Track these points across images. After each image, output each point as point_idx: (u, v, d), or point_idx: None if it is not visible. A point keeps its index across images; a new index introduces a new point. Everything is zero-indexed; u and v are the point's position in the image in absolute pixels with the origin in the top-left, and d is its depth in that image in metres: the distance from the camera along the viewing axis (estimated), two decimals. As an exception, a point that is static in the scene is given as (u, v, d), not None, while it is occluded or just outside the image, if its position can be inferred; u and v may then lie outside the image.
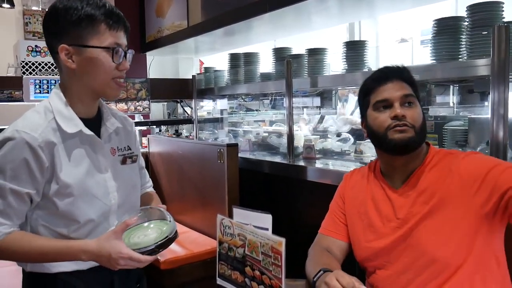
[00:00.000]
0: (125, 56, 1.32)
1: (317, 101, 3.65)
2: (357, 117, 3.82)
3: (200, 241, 2.64)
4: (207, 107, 4.90)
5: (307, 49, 2.99)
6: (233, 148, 2.47)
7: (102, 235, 1.27)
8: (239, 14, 3.12)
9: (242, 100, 4.10)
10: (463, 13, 2.07)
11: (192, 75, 3.99)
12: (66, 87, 1.33)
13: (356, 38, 4.48)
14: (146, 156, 3.35)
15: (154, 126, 4.31)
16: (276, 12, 2.82)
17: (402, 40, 4.53)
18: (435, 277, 1.26)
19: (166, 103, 4.85)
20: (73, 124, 1.30)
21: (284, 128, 3.64)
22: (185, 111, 4.60)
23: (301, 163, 2.47)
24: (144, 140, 3.75)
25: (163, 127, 4.48)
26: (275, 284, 1.06)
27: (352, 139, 2.94)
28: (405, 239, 1.31)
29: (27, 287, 1.38)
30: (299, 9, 2.78)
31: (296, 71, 2.89)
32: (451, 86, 2.60)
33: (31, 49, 4.27)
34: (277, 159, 2.72)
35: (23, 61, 4.24)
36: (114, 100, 3.78)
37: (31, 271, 1.34)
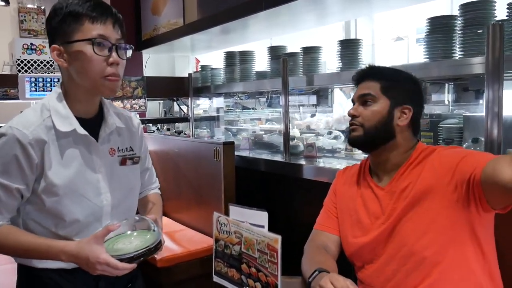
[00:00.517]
0: (116, 49, 1.28)
1: (313, 99, 3.65)
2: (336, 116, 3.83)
3: (197, 239, 2.65)
4: (203, 105, 4.90)
5: (302, 48, 3.00)
6: (229, 146, 2.46)
7: (84, 238, 1.27)
8: (235, 12, 3.12)
9: (238, 98, 4.10)
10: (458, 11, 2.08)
11: (189, 73, 3.98)
12: (65, 86, 1.34)
13: (352, 36, 4.48)
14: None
15: (151, 124, 4.30)
16: (272, 10, 2.82)
17: (398, 38, 4.54)
18: (417, 268, 1.28)
19: (162, 101, 4.85)
20: (68, 123, 1.30)
21: (278, 126, 3.65)
22: (181, 109, 4.60)
23: (302, 161, 2.47)
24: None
25: (165, 127, 4.47)
26: (271, 281, 1.07)
27: (343, 137, 2.96)
28: (389, 233, 1.34)
29: (20, 280, 1.40)
30: (295, 7, 2.78)
31: (291, 69, 2.89)
32: (446, 84, 2.62)
33: (27, 47, 4.25)
34: (278, 157, 2.70)
35: (18, 59, 4.23)
36: (110, 98, 3.77)
37: (20, 263, 1.37)
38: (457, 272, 1.26)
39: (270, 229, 1.08)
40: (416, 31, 4.12)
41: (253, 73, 3.51)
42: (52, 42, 1.29)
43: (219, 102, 4.25)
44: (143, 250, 1.25)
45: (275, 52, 3.27)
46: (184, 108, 4.59)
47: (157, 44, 4.36)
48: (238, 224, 1.15)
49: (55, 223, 1.30)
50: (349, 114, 1.44)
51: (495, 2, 2.00)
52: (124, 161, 1.43)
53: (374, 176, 1.46)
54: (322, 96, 3.46)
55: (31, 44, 4.25)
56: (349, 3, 2.85)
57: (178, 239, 2.65)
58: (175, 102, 4.65)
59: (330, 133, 3.07)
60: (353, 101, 1.47)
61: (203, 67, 4.28)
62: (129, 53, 1.34)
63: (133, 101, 3.95)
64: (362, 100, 1.42)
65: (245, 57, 3.60)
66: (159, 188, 1.72)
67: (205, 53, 5.24)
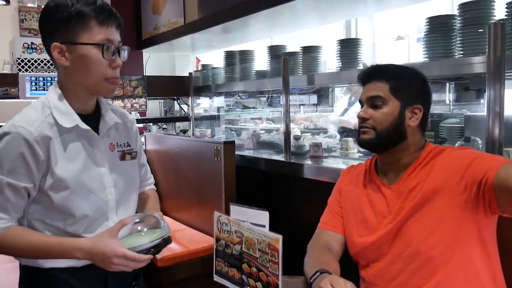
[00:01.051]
0: (118, 52, 1.30)
1: (313, 98, 3.65)
2: (348, 117, 3.84)
3: (197, 238, 2.64)
4: (203, 105, 4.89)
5: (302, 47, 3.00)
6: (230, 145, 2.46)
7: (98, 234, 1.27)
8: (236, 11, 3.11)
9: (239, 98, 4.09)
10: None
11: (189, 73, 3.98)
12: (62, 84, 1.33)
13: (353, 36, 4.48)
14: (142, 153, 3.34)
15: (151, 124, 4.30)
16: (272, 9, 2.81)
17: (398, 38, 4.54)
18: (422, 267, 1.28)
19: (162, 100, 4.84)
20: (70, 119, 1.30)
21: (277, 125, 3.65)
22: (182, 108, 4.60)
23: (308, 161, 2.45)
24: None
25: (163, 125, 4.47)
26: (272, 281, 1.06)
27: (338, 136, 2.96)
28: (395, 232, 1.34)
29: (23, 281, 1.39)
30: (295, 6, 2.78)
31: (291, 68, 2.89)
32: (447, 84, 2.61)
33: (27, 46, 4.25)
34: (280, 157, 2.68)
35: (18, 58, 4.22)
36: (111, 98, 3.78)
37: (26, 265, 1.35)
38: (462, 273, 1.25)
39: (270, 228, 1.08)
40: (417, 30, 4.12)
41: (253, 73, 3.51)
42: (50, 39, 1.27)
43: (219, 101, 4.24)
44: (158, 240, 1.27)
45: (275, 52, 3.26)
46: (184, 107, 4.59)
47: (157, 43, 4.36)
48: (239, 224, 1.15)
49: (63, 220, 1.30)
50: (359, 117, 1.41)
51: (494, 1, 1.99)
52: (123, 156, 1.44)
53: (381, 175, 1.45)
54: (323, 95, 3.47)
55: (32, 43, 4.25)
56: (350, 3, 2.84)
57: (178, 239, 2.64)
58: (175, 101, 4.64)
59: (325, 132, 3.07)
60: (360, 101, 1.44)
61: (203, 66, 4.28)
62: (126, 54, 1.35)
63: (134, 100, 3.95)
64: (371, 102, 1.40)
65: (245, 56, 3.60)
66: (154, 184, 1.72)
67: (205, 52, 5.23)
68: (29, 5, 4.58)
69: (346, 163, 2.33)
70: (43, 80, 3.95)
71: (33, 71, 4.17)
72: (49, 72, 4.12)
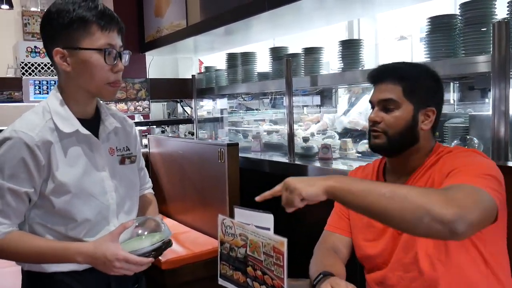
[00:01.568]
0: (120, 57, 1.31)
1: (317, 99, 3.64)
2: (352, 117, 3.82)
3: (201, 241, 2.64)
4: (206, 107, 4.89)
5: (304, 48, 2.99)
6: (233, 147, 2.46)
7: (99, 238, 1.27)
8: (238, 13, 3.11)
9: (242, 100, 4.09)
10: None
11: (192, 75, 3.98)
12: (63, 88, 1.34)
13: (355, 37, 4.47)
14: (146, 156, 3.34)
15: (154, 126, 4.29)
16: (275, 10, 2.81)
17: (401, 38, 4.52)
18: (420, 277, 1.26)
19: (166, 103, 4.84)
20: (70, 124, 1.30)
21: (277, 127, 3.64)
22: (185, 111, 4.60)
23: (317, 163, 2.42)
24: (145, 140, 3.74)
25: (175, 128, 4.46)
26: (277, 284, 1.05)
27: (337, 136, 2.95)
28: (398, 239, 1.32)
29: (26, 284, 1.39)
30: (298, 7, 2.77)
31: (293, 70, 2.87)
32: (452, 83, 2.60)
33: (31, 50, 4.26)
34: (286, 159, 2.66)
35: (22, 62, 4.23)
36: (114, 101, 3.78)
37: (28, 270, 1.35)
38: (464, 283, 1.23)
39: (275, 231, 1.07)
40: (419, 30, 4.11)
41: (255, 74, 3.50)
42: (52, 44, 1.28)
43: (222, 103, 4.24)
44: (159, 243, 1.27)
45: (277, 53, 3.26)
46: (187, 109, 4.59)
47: (160, 46, 4.36)
48: (243, 227, 1.14)
49: (65, 224, 1.30)
50: (371, 120, 1.36)
51: (496, 0, 1.98)
52: (123, 160, 1.45)
53: (390, 177, 1.42)
54: (326, 96, 3.46)
55: (35, 47, 4.26)
56: (352, 3, 2.83)
57: (182, 241, 2.64)
58: (178, 104, 4.64)
59: (324, 133, 3.06)
60: (371, 102, 1.38)
61: (206, 68, 4.28)
62: (128, 58, 1.36)
63: (137, 103, 3.95)
64: (383, 104, 1.34)
65: (247, 58, 3.60)
66: (152, 188, 1.72)
67: (208, 54, 5.23)
68: (32, 9, 4.59)
69: (354, 165, 2.32)
70: (47, 83, 3.95)
71: (36, 75, 4.18)
72: (52, 76, 4.13)
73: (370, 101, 1.39)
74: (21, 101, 3.74)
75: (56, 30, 1.27)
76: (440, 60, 2.04)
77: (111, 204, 1.37)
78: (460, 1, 2.10)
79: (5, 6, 4.33)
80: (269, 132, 3.50)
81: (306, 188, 1.07)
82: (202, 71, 4.44)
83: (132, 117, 3.97)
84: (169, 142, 3.24)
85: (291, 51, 3.26)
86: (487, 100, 2.32)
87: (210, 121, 4.47)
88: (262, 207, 1.10)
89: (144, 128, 4.13)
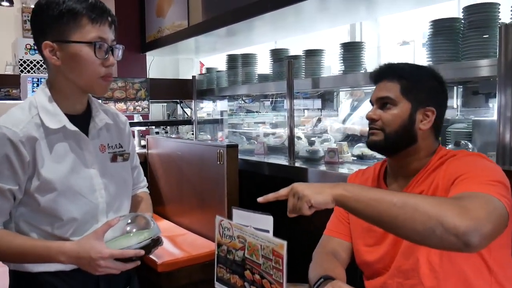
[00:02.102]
0: (112, 51, 1.27)
1: (318, 103, 3.62)
2: (351, 124, 3.80)
3: (198, 243, 2.60)
4: (206, 109, 4.87)
5: (305, 51, 2.97)
6: (233, 149, 2.42)
7: (83, 237, 1.23)
8: (240, 13, 3.09)
9: (242, 102, 4.06)
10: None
11: (192, 75, 3.95)
12: (53, 83, 1.30)
13: (357, 40, 4.45)
14: (144, 156, 3.31)
15: (153, 127, 4.27)
16: (277, 12, 2.79)
17: (404, 43, 4.51)
18: (421, 282, 1.22)
19: (165, 104, 4.82)
20: (57, 120, 1.27)
21: (275, 130, 3.61)
22: (185, 112, 4.57)
23: (323, 167, 2.38)
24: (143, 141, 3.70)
25: (182, 130, 4.43)
26: (276, 288, 1.02)
27: (333, 139, 2.93)
28: (400, 244, 1.28)
29: (12, 285, 1.35)
30: (300, 8, 2.75)
31: (294, 72, 2.84)
32: (455, 88, 2.57)
33: (29, 47, 4.24)
34: (286, 161, 2.62)
35: (21, 59, 4.22)
36: (113, 100, 3.75)
37: (14, 269, 1.31)
38: None
39: (274, 235, 1.04)
40: (422, 36, 4.09)
41: (255, 76, 3.48)
42: (41, 37, 1.24)
43: (223, 105, 4.21)
44: (147, 241, 1.23)
45: (278, 55, 3.24)
46: (187, 111, 4.56)
47: (161, 46, 4.34)
48: (241, 229, 1.10)
49: (51, 223, 1.26)
50: (368, 118, 1.35)
51: (499, 4, 1.96)
52: (115, 158, 1.40)
53: (390, 181, 1.39)
54: (328, 99, 3.43)
55: (34, 44, 4.23)
56: (355, 5, 2.81)
57: (179, 243, 2.61)
58: (178, 105, 4.62)
59: (320, 136, 3.03)
60: (371, 102, 1.38)
61: (207, 69, 4.26)
62: (121, 53, 1.32)
63: (136, 103, 3.92)
64: (381, 102, 1.33)
65: (248, 60, 3.58)
66: (147, 187, 1.68)
67: (209, 55, 5.22)
68: (32, 6, 4.57)
69: (354, 168, 2.28)
70: (45, 81, 3.92)
71: (35, 72, 4.16)
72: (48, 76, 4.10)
73: (370, 100, 1.39)
74: (19, 98, 3.72)
75: (45, 23, 1.23)
76: (442, 64, 2.02)
77: (100, 203, 1.33)
78: (463, 5, 2.08)
79: (5, 3, 4.33)
80: (265, 135, 3.47)
81: (315, 196, 1.05)
82: (204, 72, 4.42)
83: (131, 117, 3.94)
84: (168, 142, 3.21)
85: (292, 53, 3.24)
86: (491, 105, 2.29)
87: (209, 123, 4.44)
88: (261, 210, 1.07)
89: (143, 128, 4.10)
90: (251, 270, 1.08)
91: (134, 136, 3.65)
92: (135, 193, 1.60)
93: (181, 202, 2.97)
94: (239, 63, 3.64)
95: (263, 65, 3.54)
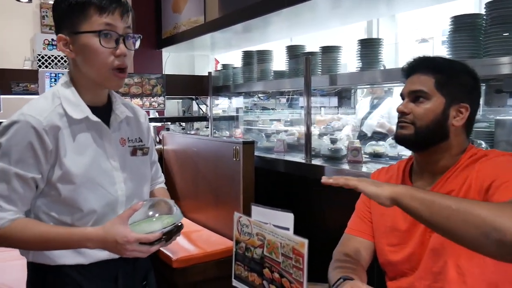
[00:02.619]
0: (123, 40, 1.24)
1: (334, 101, 3.58)
2: (374, 120, 3.76)
3: (214, 240, 2.60)
4: (222, 105, 4.86)
5: (321, 47, 2.93)
6: (249, 145, 2.41)
7: (108, 222, 1.23)
8: (257, 9, 3.07)
9: (258, 99, 4.04)
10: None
11: (208, 72, 3.94)
12: (72, 76, 1.31)
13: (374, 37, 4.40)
14: (160, 152, 3.31)
15: (169, 123, 4.27)
16: (293, 8, 2.76)
17: (422, 40, 4.43)
18: (449, 285, 1.19)
19: (181, 100, 4.83)
20: (80, 110, 1.27)
21: (290, 128, 3.59)
22: (200, 108, 4.57)
23: (345, 166, 2.34)
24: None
25: (189, 126, 4.42)
26: None
27: (345, 137, 2.90)
28: (426, 244, 1.25)
29: (31, 278, 1.35)
30: (316, 5, 2.72)
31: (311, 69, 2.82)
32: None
33: (48, 42, 4.27)
34: (317, 161, 2.55)
35: (39, 55, 4.24)
36: (129, 96, 3.77)
37: (32, 261, 1.31)
38: None
39: (294, 232, 1.01)
40: (442, 33, 4.02)
41: (271, 73, 3.46)
42: (58, 32, 1.25)
43: (238, 102, 4.20)
44: (170, 227, 1.23)
45: (294, 52, 3.21)
46: (203, 107, 4.56)
47: (177, 42, 4.34)
48: (260, 226, 1.08)
49: (71, 214, 1.26)
50: (399, 111, 1.31)
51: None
52: (135, 151, 1.40)
53: (416, 178, 1.35)
54: (345, 97, 3.39)
55: (52, 39, 4.26)
56: (372, 1, 2.77)
57: (194, 240, 2.60)
58: (194, 101, 4.62)
59: (332, 133, 3.00)
60: (402, 95, 1.34)
61: (224, 65, 4.24)
62: (138, 43, 1.30)
63: (152, 99, 3.92)
64: (413, 96, 1.29)
65: (263, 56, 3.56)
66: (164, 183, 1.68)
67: (224, 52, 5.20)
68: (50, 2, 4.60)
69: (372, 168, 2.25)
70: (63, 77, 3.95)
71: (53, 68, 4.19)
72: (69, 69, 4.13)
73: (401, 94, 1.34)
74: (37, 93, 3.74)
75: (59, 17, 1.24)
76: (463, 61, 1.96)
77: (120, 196, 1.33)
78: (484, 1, 2.03)
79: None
80: (278, 132, 3.44)
81: (376, 190, 1.04)
82: (220, 68, 4.41)
83: (147, 113, 3.94)
84: (184, 139, 3.21)
85: (308, 50, 3.20)
86: (515, 104, 2.22)
87: (225, 120, 4.43)
88: (279, 207, 1.04)
89: (159, 124, 4.10)
90: (270, 268, 1.06)
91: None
92: (153, 189, 1.59)
93: (196, 198, 2.96)
94: (255, 60, 3.62)
95: (279, 62, 3.51)
